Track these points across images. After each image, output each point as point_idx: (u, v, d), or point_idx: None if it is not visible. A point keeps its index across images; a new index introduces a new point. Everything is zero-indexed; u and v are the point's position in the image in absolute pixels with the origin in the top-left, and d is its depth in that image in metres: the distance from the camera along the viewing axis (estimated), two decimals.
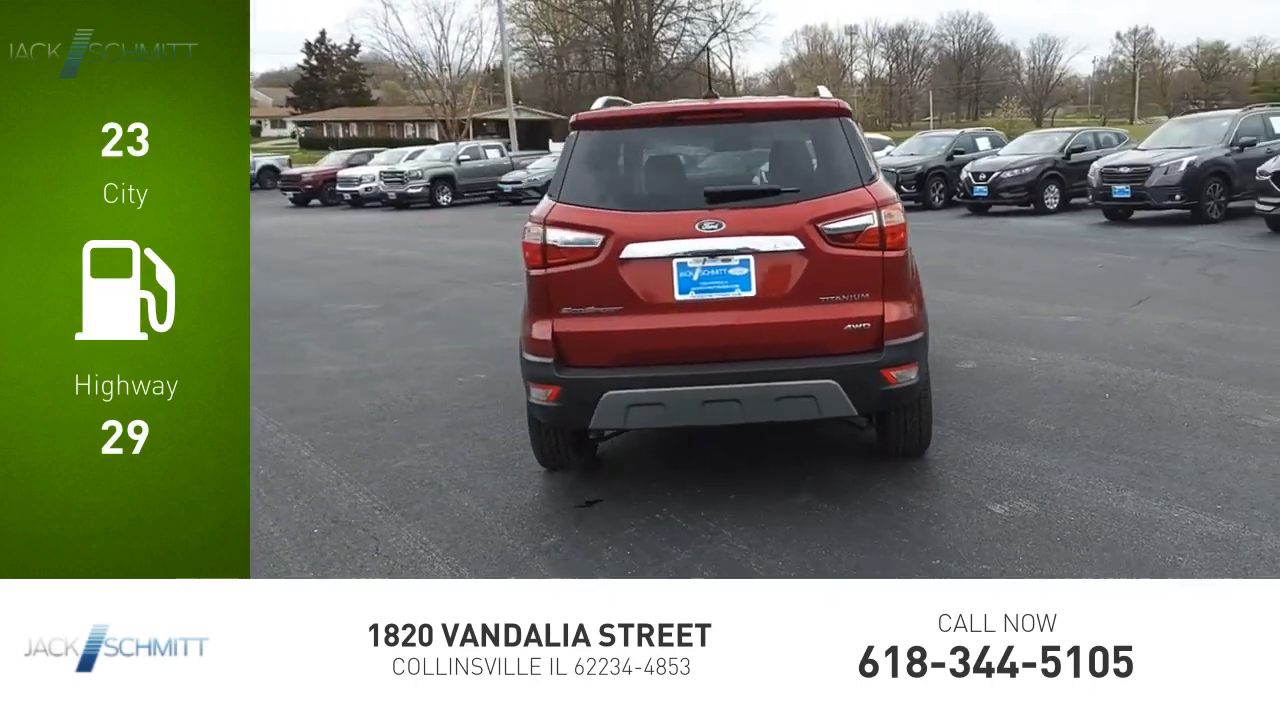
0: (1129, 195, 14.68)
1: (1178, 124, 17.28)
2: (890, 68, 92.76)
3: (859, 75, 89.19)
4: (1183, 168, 14.25)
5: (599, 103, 4.74)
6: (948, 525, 4.03)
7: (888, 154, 21.02)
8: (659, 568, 3.77)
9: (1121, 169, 14.92)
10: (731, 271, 4.10)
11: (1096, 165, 15.56)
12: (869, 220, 4.14)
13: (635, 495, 4.45)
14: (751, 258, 4.08)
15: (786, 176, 4.36)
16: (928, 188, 19.37)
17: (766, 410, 4.11)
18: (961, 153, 19.77)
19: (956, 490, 4.39)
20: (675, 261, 4.07)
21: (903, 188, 18.06)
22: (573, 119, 4.38)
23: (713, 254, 4.07)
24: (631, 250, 4.06)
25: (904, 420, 4.52)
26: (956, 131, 23.40)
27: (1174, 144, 15.34)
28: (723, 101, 4.68)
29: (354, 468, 5.07)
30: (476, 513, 4.39)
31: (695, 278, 4.09)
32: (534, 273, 4.18)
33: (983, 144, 20.56)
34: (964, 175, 18.03)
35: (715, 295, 4.10)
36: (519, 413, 4.98)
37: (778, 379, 4.06)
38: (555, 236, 4.11)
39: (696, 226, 4.07)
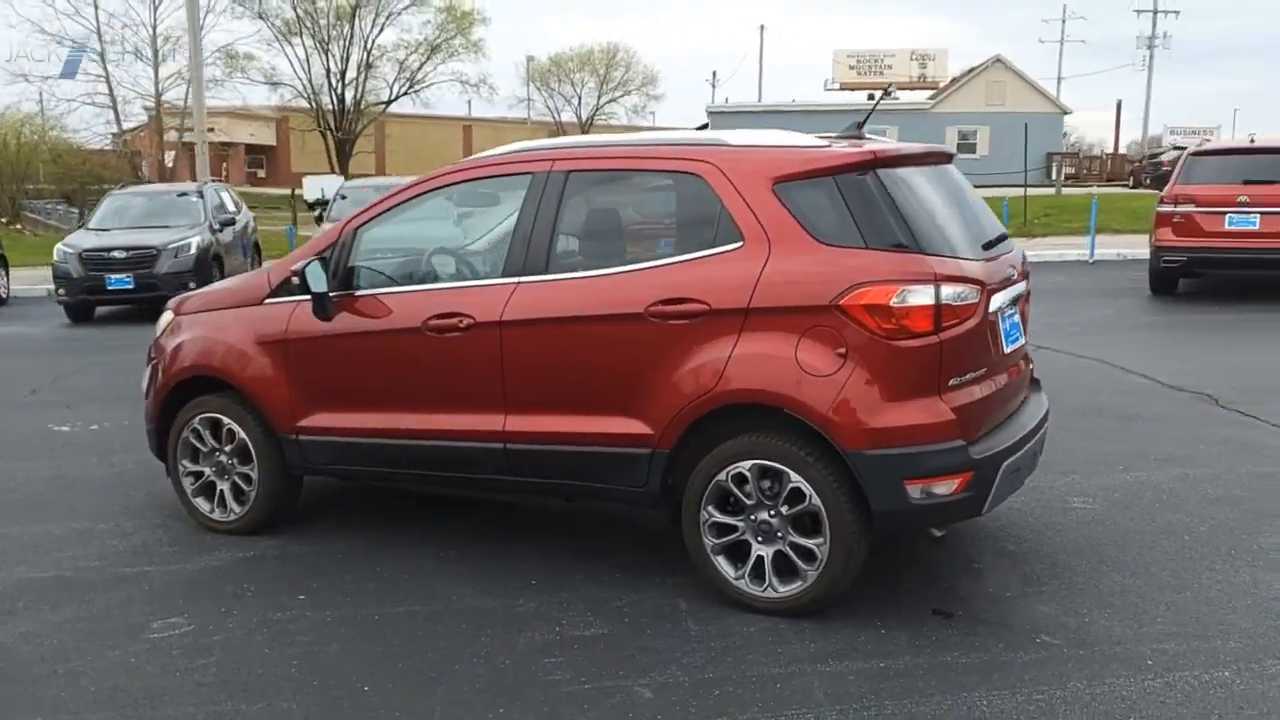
0: (133, 286, 12.03)
1: (129, 197, 14.55)
2: None
3: None
4: (193, 250, 12.44)
5: (789, 138, 3.94)
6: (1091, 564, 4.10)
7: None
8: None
9: (115, 253, 12.15)
10: (1015, 319, 3.96)
11: (66, 249, 12.55)
12: None
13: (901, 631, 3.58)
14: (1018, 305, 4.03)
15: (991, 220, 4.16)
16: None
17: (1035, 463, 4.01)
18: None
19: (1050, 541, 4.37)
20: (1002, 312, 3.79)
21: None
22: (869, 155, 3.61)
23: (1013, 301, 3.93)
24: (995, 301, 3.68)
25: None
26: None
27: (148, 223, 13.07)
28: (928, 146, 4.15)
29: None
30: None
31: (1008, 327, 3.85)
32: (914, 343, 3.41)
33: None
34: None
35: (1014, 345, 3.91)
36: None
37: (1042, 428, 4.02)
38: (952, 292, 3.43)
39: (1010, 273, 3.90)
